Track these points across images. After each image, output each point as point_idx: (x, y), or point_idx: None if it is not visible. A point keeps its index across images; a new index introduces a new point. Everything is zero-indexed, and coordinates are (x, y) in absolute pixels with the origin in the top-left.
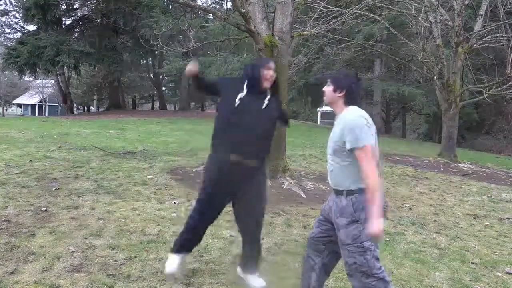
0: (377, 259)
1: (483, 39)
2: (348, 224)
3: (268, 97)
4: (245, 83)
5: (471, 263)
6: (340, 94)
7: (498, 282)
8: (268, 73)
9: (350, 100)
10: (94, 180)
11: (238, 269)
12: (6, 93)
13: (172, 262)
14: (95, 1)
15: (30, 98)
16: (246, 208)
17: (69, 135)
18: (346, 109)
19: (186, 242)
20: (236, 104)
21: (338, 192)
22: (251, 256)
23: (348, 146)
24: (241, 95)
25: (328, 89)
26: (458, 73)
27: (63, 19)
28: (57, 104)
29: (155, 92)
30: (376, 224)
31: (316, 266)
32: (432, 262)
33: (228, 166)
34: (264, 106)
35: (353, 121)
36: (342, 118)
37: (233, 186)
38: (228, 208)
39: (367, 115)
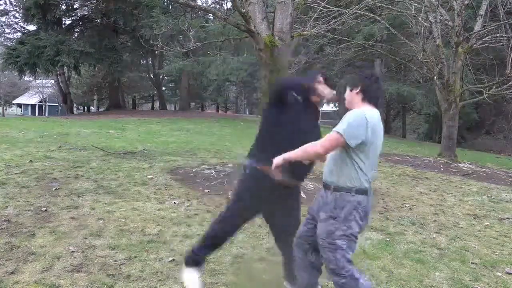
0: (348, 261)
1: (483, 39)
2: (326, 219)
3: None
4: (305, 96)
5: (471, 263)
6: (357, 91)
7: (498, 282)
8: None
9: (367, 96)
10: (94, 180)
11: (286, 285)
12: (6, 93)
13: (194, 279)
14: (95, 1)
15: (30, 98)
16: (287, 221)
17: (69, 135)
18: (361, 106)
19: (208, 254)
20: (296, 119)
21: (326, 187)
22: (289, 264)
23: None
24: (298, 109)
25: (346, 92)
26: (458, 73)
27: (63, 19)
28: (57, 104)
29: (155, 92)
30: (276, 160)
31: (304, 265)
32: (432, 262)
33: (273, 184)
34: (315, 124)
35: (353, 114)
36: (348, 112)
37: (271, 202)
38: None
39: (372, 117)
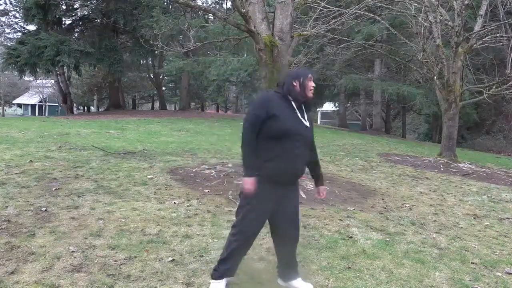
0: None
1: (483, 39)
2: None
3: (306, 110)
4: (290, 95)
5: (471, 263)
6: None
7: (498, 282)
8: (312, 84)
9: None
10: (94, 180)
11: (280, 281)
12: (6, 93)
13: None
14: (95, 1)
15: (30, 98)
16: (287, 217)
17: (69, 135)
18: None
19: (233, 268)
20: (286, 120)
21: None
22: (291, 263)
23: None
24: (286, 109)
25: None
26: (458, 73)
27: (63, 19)
28: (57, 104)
29: (155, 92)
30: None
31: None
32: (432, 262)
33: (279, 183)
34: (306, 118)
35: None
36: None
37: (277, 200)
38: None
39: None
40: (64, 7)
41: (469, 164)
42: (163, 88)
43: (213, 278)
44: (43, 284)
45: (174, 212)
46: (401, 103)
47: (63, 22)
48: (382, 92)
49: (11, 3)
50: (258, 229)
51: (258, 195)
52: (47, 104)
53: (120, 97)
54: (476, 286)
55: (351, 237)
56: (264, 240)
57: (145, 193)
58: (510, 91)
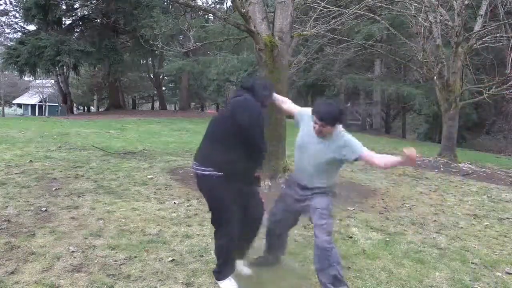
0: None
1: (483, 39)
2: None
3: None
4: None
5: (471, 263)
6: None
7: (498, 282)
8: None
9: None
10: (94, 180)
11: (240, 264)
12: (6, 93)
13: (232, 285)
14: (95, 1)
15: (30, 98)
16: (251, 211)
17: (69, 135)
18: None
19: (231, 267)
20: None
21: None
22: (246, 247)
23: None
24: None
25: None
26: (458, 73)
27: (63, 19)
28: (57, 104)
29: (155, 92)
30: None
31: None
32: (432, 262)
33: (243, 182)
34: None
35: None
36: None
37: (243, 197)
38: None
39: None
40: (64, 7)
41: (469, 164)
42: (163, 88)
43: (219, 280)
44: (43, 284)
45: (174, 212)
46: (401, 103)
47: (63, 22)
48: (382, 92)
49: (11, 3)
50: (237, 224)
51: (226, 193)
52: (47, 104)
53: (120, 97)
54: (476, 286)
55: (351, 237)
56: (264, 240)
57: (145, 193)
58: (510, 91)
